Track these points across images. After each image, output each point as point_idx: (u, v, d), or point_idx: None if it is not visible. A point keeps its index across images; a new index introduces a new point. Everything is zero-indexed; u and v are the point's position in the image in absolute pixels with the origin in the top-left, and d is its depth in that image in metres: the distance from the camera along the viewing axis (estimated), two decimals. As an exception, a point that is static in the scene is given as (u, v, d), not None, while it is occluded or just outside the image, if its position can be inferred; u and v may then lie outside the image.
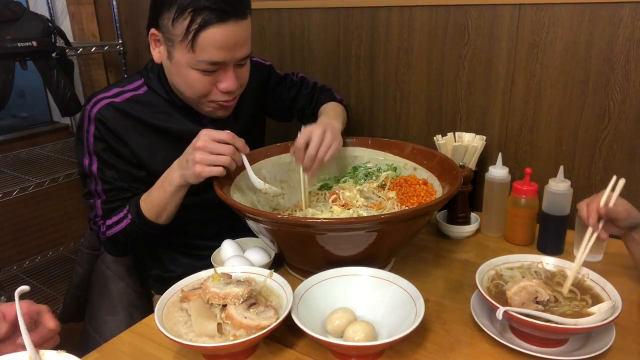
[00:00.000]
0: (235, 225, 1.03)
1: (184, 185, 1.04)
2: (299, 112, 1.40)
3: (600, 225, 0.90)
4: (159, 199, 1.07)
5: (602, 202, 0.89)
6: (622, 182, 0.90)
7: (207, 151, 0.98)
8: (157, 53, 1.09)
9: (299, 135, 1.10)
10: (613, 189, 0.90)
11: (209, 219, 1.21)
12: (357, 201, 1.12)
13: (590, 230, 0.91)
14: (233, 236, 1.15)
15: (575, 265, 0.89)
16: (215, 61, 1.02)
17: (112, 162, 1.11)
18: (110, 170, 1.12)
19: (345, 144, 1.28)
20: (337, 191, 1.16)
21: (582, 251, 0.90)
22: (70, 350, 0.73)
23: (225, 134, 1.00)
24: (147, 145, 1.13)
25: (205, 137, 0.99)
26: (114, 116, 1.10)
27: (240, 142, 1.02)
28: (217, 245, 1.11)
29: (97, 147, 1.11)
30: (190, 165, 0.99)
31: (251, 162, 1.17)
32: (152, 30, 1.06)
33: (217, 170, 0.99)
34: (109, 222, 1.12)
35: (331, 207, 1.11)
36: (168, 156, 1.08)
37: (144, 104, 1.14)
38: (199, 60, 1.01)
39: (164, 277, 1.27)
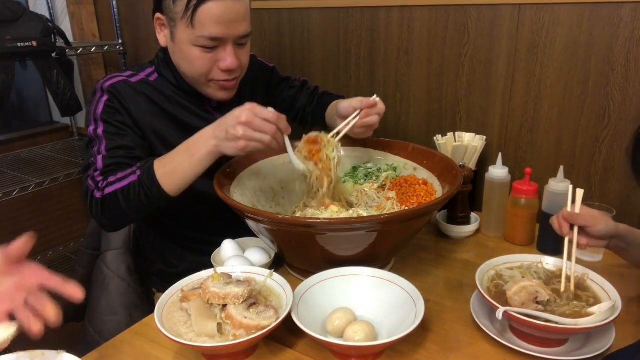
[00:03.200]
0: (239, 219, 1.03)
1: (215, 155, 1.00)
2: (299, 112, 1.40)
3: (575, 231, 0.91)
4: (180, 163, 1.01)
5: (568, 210, 0.92)
6: (580, 191, 0.91)
7: (251, 127, 0.95)
8: (163, 37, 1.12)
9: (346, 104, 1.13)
10: (574, 201, 0.92)
11: (213, 212, 1.20)
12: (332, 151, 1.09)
13: (567, 239, 0.92)
14: (237, 231, 1.15)
15: (564, 268, 0.90)
16: (214, 36, 1.04)
17: (119, 127, 1.10)
18: (116, 132, 1.10)
19: (345, 144, 1.28)
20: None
21: (566, 259, 0.90)
22: (70, 350, 0.74)
23: (270, 113, 0.97)
24: (154, 125, 1.14)
25: (250, 113, 0.95)
26: (127, 91, 1.12)
27: (283, 123, 0.99)
28: (221, 240, 1.11)
29: (105, 114, 1.10)
30: (231, 138, 0.96)
31: (251, 162, 1.18)
32: (157, 15, 1.10)
33: (260, 147, 0.97)
34: (111, 178, 1.04)
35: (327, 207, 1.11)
36: (170, 140, 1.10)
37: (155, 89, 1.16)
38: (198, 35, 1.03)
39: (167, 273, 1.27)
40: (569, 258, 0.90)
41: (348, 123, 1.11)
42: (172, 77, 1.17)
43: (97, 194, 1.04)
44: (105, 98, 1.11)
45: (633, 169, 0.76)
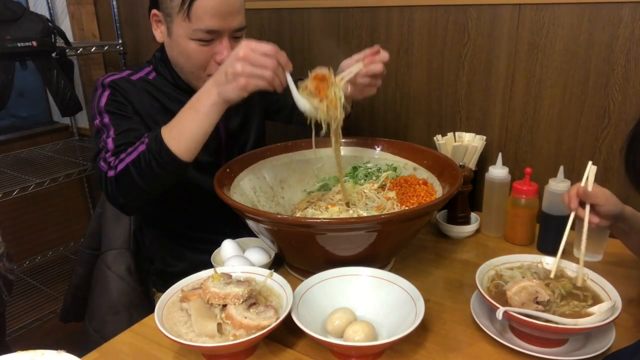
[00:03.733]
0: (239, 219, 1.03)
1: (221, 104, 0.95)
2: (292, 111, 1.39)
3: (587, 209, 0.91)
4: (186, 121, 0.97)
5: (582, 186, 0.92)
6: (593, 168, 0.92)
7: (250, 63, 0.90)
8: (159, 33, 1.14)
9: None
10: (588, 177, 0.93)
11: (213, 210, 1.20)
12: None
13: (573, 213, 0.91)
14: (237, 230, 1.15)
15: (558, 256, 0.90)
16: (211, 29, 1.05)
17: (124, 115, 1.11)
18: (122, 118, 1.10)
19: (345, 144, 1.28)
20: None
21: (560, 254, 0.90)
22: (70, 350, 0.74)
23: (269, 47, 0.91)
24: (157, 120, 1.15)
25: (247, 48, 0.90)
26: (128, 87, 1.14)
27: (283, 57, 0.94)
28: (221, 239, 1.11)
29: (109, 106, 1.10)
30: (231, 78, 0.91)
31: (251, 162, 1.18)
32: (153, 11, 1.11)
33: (262, 84, 0.92)
34: (122, 155, 1.02)
35: (327, 208, 1.11)
36: None
37: (154, 87, 1.17)
38: (195, 29, 1.04)
39: (167, 272, 1.27)
40: (570, 255, 0.90)
41: (351, 71, 1.04)
42: (169, 75, 1.18)
43: (110, 173, 1.01)
44: (107, 92, 1.12)
45: (626, 170, 0.76)
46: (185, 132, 0.96)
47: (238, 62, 0.90)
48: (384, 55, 1.07)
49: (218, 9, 1.03)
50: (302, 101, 0.97)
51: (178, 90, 1.18)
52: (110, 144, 1.05)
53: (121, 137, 1.05)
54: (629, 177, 0.75)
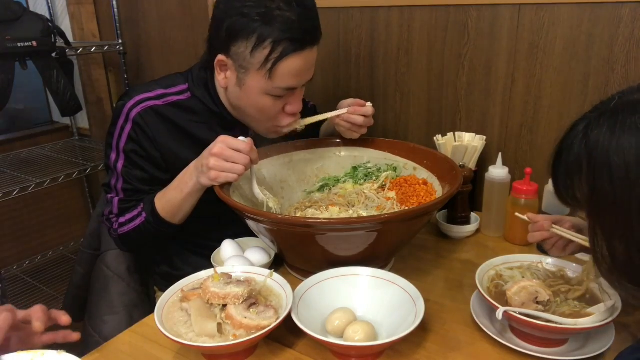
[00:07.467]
0: (249, 228, 1.03)
1: (200, 189, 1.05)
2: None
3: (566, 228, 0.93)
4: (174, 200, 1.07)
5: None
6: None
7: (223, 159, 0.98)
8: (223, 79, 1.08)
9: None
10: None
11: (224, 219, 1.20)
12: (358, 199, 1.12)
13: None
14: (247, 236, 1.15)
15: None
16: (291, 87, 1.05)
17: (139, 164, 1.12)
18: (135, 171, 1.12)
19: (345, 144, 1.29)
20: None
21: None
22: (70, 350, 0.74)
23: (243, 144, 0.99)
24: (180, 151, 1.13)
25: (222, 144, 0.99)
26: (154, 121, 1.11)
27: (255, 155, 1.02)
28: None
29: (128, 146, 1.11)
30: (205, 170, 1.00)
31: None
32: (220, 57, 1.05)
33: (232, 177, 1.00)
34: (122, 219, 1.12)
35: (327, 208, 1.11)
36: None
37: (186, 111, 1.14)
38: (275, 86, 1.04)
39: (172, 275, 1.26)
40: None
41: (326, 115, 1.20)
42: (208, 99, 1.14)
43: (114, 234, 1.16)
44: (128, 128, 1.10)
45: (554, 187, 0.75)
46: (176, 207, 1.09)
47: (211, 157, 0.98)
48: (367, 110, 1.20)
49: (300, 68, 1.03)
50: (259, 192, 1.07)
51: (212, 115, 1.15)
52: (115, 205, 1.14)
53: (127, 198, 1.14)
54: (557, 195, 0.75)
